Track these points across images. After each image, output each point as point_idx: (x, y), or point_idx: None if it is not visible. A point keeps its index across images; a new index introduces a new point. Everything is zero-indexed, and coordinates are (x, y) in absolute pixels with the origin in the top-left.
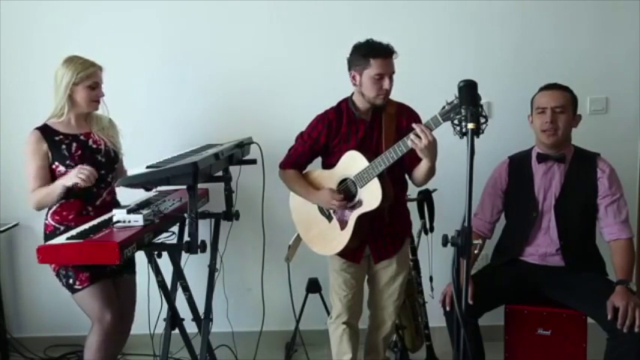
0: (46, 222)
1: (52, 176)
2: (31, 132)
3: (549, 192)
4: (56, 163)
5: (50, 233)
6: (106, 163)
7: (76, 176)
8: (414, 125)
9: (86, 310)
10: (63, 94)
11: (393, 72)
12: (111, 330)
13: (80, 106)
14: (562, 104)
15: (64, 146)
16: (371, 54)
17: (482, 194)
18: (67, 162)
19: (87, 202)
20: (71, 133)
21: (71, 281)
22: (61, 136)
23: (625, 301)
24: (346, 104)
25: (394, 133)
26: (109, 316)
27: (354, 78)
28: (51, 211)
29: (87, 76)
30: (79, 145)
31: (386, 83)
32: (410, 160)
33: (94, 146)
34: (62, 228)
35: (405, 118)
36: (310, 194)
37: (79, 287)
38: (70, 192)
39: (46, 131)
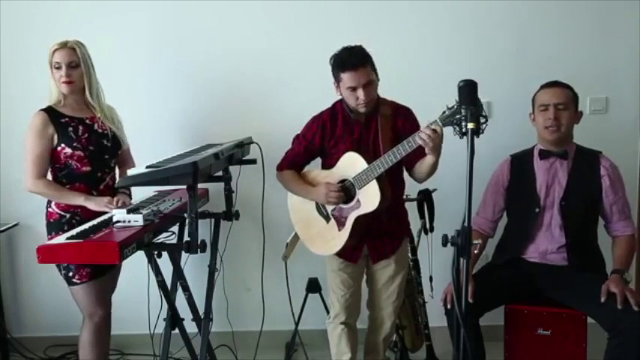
0: (50, 210)
1: (56, 158)
2: (36, 113)
3: (552, 188)
4: (62, 145)
5: (55, 221)
6: (111, 148)
7: (106, 206)
8: (423, 130)
9: (79, 303)
10: (52, 80)
11: (368, 81)
12: (101, 326)
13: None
14: (564, 101)
15: (70, 128)
16: (340, 68)
17: (484, 193)
18: (75, 144)
19: (92, 186)
20: (76, 116)
21: (71, 274)
22: (67, 119)
23: (619, 287)
24: (341, 105)
25: (390, 133)
26: (101, 312)
27: (337, 88)
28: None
29: (51, 58)
30: (85, 129)
31: (360, 94)
32: (409, 158)
33: (100, 131)
34: (68, 216)
35: (401, 118)
36: (307, 191)
37: (78, 281)
38: (74, 177)
39: (51, 113)
